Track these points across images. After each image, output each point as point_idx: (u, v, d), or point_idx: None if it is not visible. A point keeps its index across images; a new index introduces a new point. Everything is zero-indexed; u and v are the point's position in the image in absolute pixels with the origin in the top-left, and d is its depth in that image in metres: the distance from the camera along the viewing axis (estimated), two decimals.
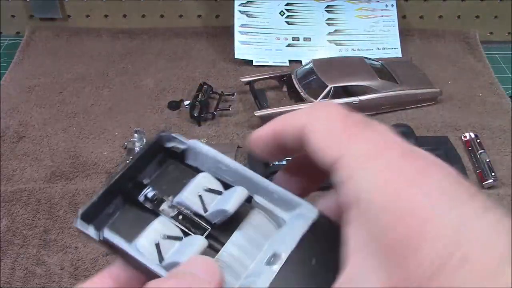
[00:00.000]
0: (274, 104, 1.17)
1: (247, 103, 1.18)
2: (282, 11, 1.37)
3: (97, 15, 1.44)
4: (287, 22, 1.36)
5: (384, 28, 1.37)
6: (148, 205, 0.40)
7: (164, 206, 0.40)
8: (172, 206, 0.40)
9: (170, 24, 1.45)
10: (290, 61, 1.32)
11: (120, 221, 0.41)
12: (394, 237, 0.25)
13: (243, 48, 1.32)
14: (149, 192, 0.40)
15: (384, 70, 1.18)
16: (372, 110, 1.13)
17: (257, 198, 0.40)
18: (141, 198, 0.40)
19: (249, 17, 1.35)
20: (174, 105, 1.16)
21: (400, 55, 1.34)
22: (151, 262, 0.37)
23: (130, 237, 0.39)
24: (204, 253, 0.38)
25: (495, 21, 1.45)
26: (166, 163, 0.43)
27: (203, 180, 0.40)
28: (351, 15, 1.38)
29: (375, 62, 1.20)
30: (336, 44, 1.35)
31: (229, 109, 1.14)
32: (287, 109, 1.09)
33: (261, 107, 1.13)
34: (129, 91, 1.21)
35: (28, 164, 1.00)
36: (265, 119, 1.09)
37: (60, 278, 0.80)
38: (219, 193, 0.40)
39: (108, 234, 0.38)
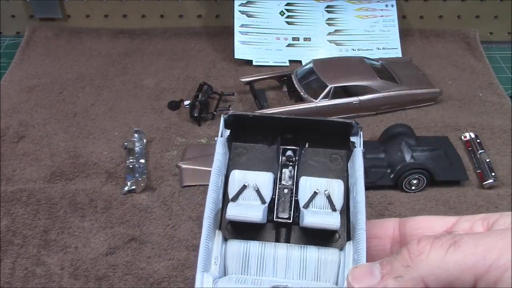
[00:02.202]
0: (274, 104, 1.17)
1: (247, 103, 1.18)
2: (282, 11, 1.37)
3: (97, 15, 1.44)
4: (287, 22, 1.36)
5: (384, 28, 1.37)
6: (281, 158, 0.41)
7: (287, 171, 0.41)
8: (291, 177, 0.41)
9: (170, 24, 1.45)
10: (290, 61, 1.32)
11: (255, 150, 0.42)
12: None
13: (243, 48, 1.32)
14: (290, 150, 0.41)
15: (384, 70, 1.18)
16: (372, 110, 1.13)
17: (349, 245, 0.38)
18: (282, 148, 0.42)
19: (249, 17, 1.35)
20: (174, 105, 1.16)
21: (400, 55, 1.34)
22: (214, 190, 0.37)
23: (247, 165, 0.41)
24: (266, 234, 0.39)
25: (495, 21, 1.45)
26: (337, 150, 0.43)
27: (334, 186, 0.40)
28: (351, 15, 1.38)
29: (375, 62, 1.20)
30: (336, 44, 1.35)
31: (229, 109, 1.14)
32: (287, 109, 1.09)
33: (261, 107, 1.13)
34: (129, 91, 1.21)
35: (28, 164, 1.00)
36: None
37: (60, 278, 0.80)
38: (333, 208, 0.39)
39: (220, 142, 0.39)
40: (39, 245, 0.85)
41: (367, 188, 1.01)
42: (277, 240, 0.39)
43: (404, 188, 0.95)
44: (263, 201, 0.39)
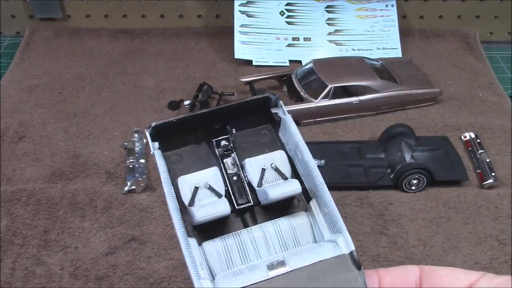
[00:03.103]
0: None
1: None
2: (282, 11, 1.37)
3: (97, 15, 1.44)
4: (287, 22, 1.36)
5: (384, 28, 1.37)
6: (217, 150, 0.41)
7: (228, 160, 0.41)
8: (234, 164, 0.41)
9: (170, 24, 1.45)
10: (290, 61, 1.32)
11: (189, 152, 0.42)
12: None
13: (243, 48, 1.32)
14: (224, 140, 0.41)
15: (384, 70, 1.18)
16: (372, 110, 1.13)
17: (313, 203, 0.40)
18: (215, 141, 0.42)
19: (249, 17, 1.35)
20: (174, 105, 1.16)
21: (400, 55, 1.34)
22: (170, 197, 0.37)
23: (187, 169, 0.40)
24: (232, 223, 0.40)
25: (495, 21, 1.45)
26: (263, 125, 0.44)
27: (277, 157, 0.41)
28: (351, 15, 1.38)
29: (375, 62, 1.20)
30: (336, 44, 1.35)
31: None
32: (287, 109, 1.09)
33: None
34: (129, 91, 1.21)
35: (28, 164, 1.00)
36: None
37: (60, 278, 0.80)
38: (283, 177, 0.41)
39: (157, 154, 0.39)
40: (39, 245, 0.85)
41: (367, 188, 1.00)
42: (246, 225, 0.40)
43: (404, 188, 0.95)
44: (219, 195, 0.40)
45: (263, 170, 0.40)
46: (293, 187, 0.39)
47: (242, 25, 1.34)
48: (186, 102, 1.16)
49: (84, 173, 0.99)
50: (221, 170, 0.41)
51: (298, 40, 1.35)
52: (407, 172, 0.93)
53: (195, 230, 0.38)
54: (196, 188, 0.39)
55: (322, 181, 0.38)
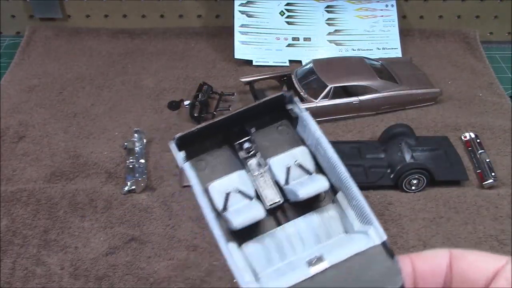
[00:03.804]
0: None
1: (247, 103, 1.18)
2: (282, 11, 1.37)
3: (97, 15, 1.44)
4: (287, 22, 1.36)
5: (384, 28, 1.37)
6: (240, 154, 0.42)
7: (252, 161, 0.41)
8: (259, 165, 0.41)
9: (170, 24, 1.45)
10: (290, 61, 1.32)
11: (212, 157, 0.42)
12: None
13: (243, 48, 1.32)
14: (246, 143, 0.41)
15: (384, 70, 1.18)
16: (372, 110, 1.13)
17: (340, 195, 0.41)
18: (236, 145, 0.42)
19: (249, 17, 1.35)
20: (174, 105, 1.16)
21: (400, 55, 1.34)
22: (206, 207, 0.38)
23: (213, 175, 0.41)
24: (266, 222, 0.40)
25: (495, 21, 1.45)
26: (280, 122, 0.44)
27: (300, 153, 0.42)
28: (351, 15, 1.38)
29: (375, 62, 1.20)
30: (336, 44, 1.35)
31: (229, 109, 1.14)
32: None
33: None
34: (129, 91, 1.21)
35: (28, 164, 1.00)
36: None
37: (60, 278, 0.80)
38: (308, 172, 0.41)
39: (187, 167, 0.39)
40: (39, 245, 0.85)
41: (367, 188, 1.00)
42: (278, 223, 0.41)
43: (404, 188, 0.95)
44: (250, 197, 0.40)
45: (288, 168, 0.41)
46: (321, 185, 0.39)
47: (242, 25, 1.34)
48: (186, 102, 1.16)
49: (84, 173, 0.99)
50: (247, 173, 0.41)
51: (298, 40, 1.35)
52: (407, 172, 0.93)
53: (231, 233, 0.39)
54: (228, 194, 0.40)
55: (348, 175, 0.39)
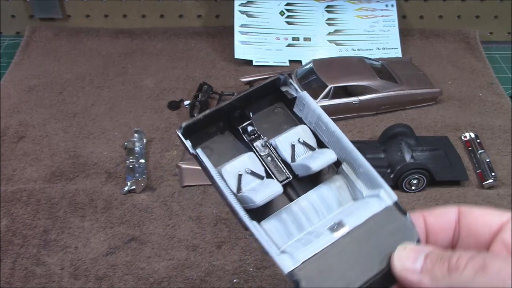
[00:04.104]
0: None
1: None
2: (282, 11, 1.37)
3: (97, 15, 1.44)
4: (287, 22, 1.36)
5: (384, 28, 1.37)
6: (245, 137, 0.44)
7: (258, 143, 0.44)
8: (265, 146, 0.44)
9: (170, 24, 1.45)
10: (290, 61, 1.32)
11: (216, 143, 0.44)
12: None
13: (243, 48, 1.32)
14: (249, 126, 0.44)
15: (384, 70, 1.18)
16: (372, 110, 1.13)
17: (344, 166, 0.43)
18: (239, 129, 0.44)
19: (249, 17, 1.35)
20: (174, 105, 1.16)
21: (400, 55, 1.34)
22: (227, 189, 0.40)
23: (221, 159, 0.43)
24: (278, 199, 0.42)
25: (495, 21, 1.45)
26: (275, 104, 0.46)
27: (301, 131, 0.44)
28: (351, 15, 1.38)
29: (375, 62, 1.20)
30: (336, 44, 1.35)
31: None
32: None
33: None
34: (129, 91, 1.21)
35: (28, 164, 1.00)
36: None
37: (60, 278, 0.80)
38: (312, 148, 0.44)
39: (200, 152, 0.41)
40: (39, 245, 0.85)
41: None
42: (290, 198, 0.43)
43: (404, 188, 0.95)
44: (261, 177, 0.42)
45: (293, 146, 0.43)
46: (330, 157, 0.42)
47: (242, 25, 1.34)
48: (186, 102, 1.16)
49: (84, 173, 0.99)
50: (255, 153, 0.43)
51: (298, 40, 1.35)
52: (407, 172, 0.93)
53: (247, 213, 0.41)
54: (240, 175, 0.41)
55: (353, 146, 0.42)
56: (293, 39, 1.35)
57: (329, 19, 1.37)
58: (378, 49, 1.35)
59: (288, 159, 0.43)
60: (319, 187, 0.43)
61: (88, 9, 1.43)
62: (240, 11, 1.35)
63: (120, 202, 0.93)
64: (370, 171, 0.41)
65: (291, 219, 0.41)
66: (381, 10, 1.38)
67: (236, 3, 1.35)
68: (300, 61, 1.31)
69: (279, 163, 0.43)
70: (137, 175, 0.96)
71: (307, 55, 1.31)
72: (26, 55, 1.33)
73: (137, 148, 1.02)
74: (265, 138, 0.44)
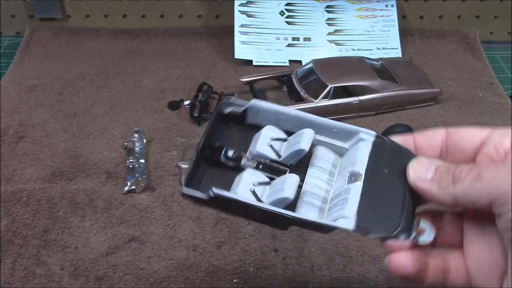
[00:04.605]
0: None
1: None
2: (282, 11, 1.37)
3: (97, 15, 1.44)
4: (287, 22, 1.36)
5: (384, 28, 1.37)
6: (230, 163, 0.46)
7: (244, 161, 0.46)
8: (251, 159, 0.46)
9: (170, 24, 1.45)
10: (290, 61, 1.32)
11: (209, 182, 0.46)
12: None
13: (243, 48, 1.32)
14: (229, 151, 0.46)
15: (384, 70, 1.18)
16: (372, 110, 1.13)
17: (318, 137, 0.47)
18: (222, 159, 0.46)
19: (249, 17, 1.35)
20: (174, 105, 1.16)
21: (400, 55, 1.34)
22: (261, 204, 0.42)
23: (227, 186, 0.45)
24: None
25: (495, 21, 1.45)
26: (228, 125, 0.49)
27: (268, 131, 0.47)
28: (351, 15, 1.38)
29: (375, 62, 1.20)
30: (336, 44, 1.35)
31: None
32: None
33: None
34: (129, 91, 1.22)
35: (28, 164, 1.01)
36: None
37: (60, 278, 0.80)
38: (284, 140, 0.47)
39: (218, 191, 0.42)
40: (39, 245, 0.85)
41: None
42: (299, 186, 0.45)
43: None
44: (269, 183, 0.45)
45: (271, 145, 0.46)
46: (309, 134, 0.46)
47: (242, 25, 1.34)
48: (186, 102, 1.16)
49: (84, 173, 0.99)
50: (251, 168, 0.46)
51: (298, 40, 1.35)
52: None
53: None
54: (253, 191, 0.44)
55: (317, 116, 0.47)
56: (293, 39, 1.35)
57: (329, 19, 1.37)
58: (378, 49, 1.35)
59: (275, 157, 0.46)
60: (311, 164, 0.46)
61: (88, 9, 1.43)
62: (240, 11, 1.35)
63: (120, 202, 0.93)
64: (343, 126, 0.47)
65: (313, 198, 0.44)
66: (381, 10, 1.38)
67: (236, 3, 1.35)
68: (300, 61, 1.31)
69: (273, 164, 0.46)
70: (137, 175, 0.96)
71: (307, 55, 1.31)
72: (26, 55, 1.33)
73: (137, 148, 1.02)
74: (247, 153, 0.46)
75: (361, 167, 0.44)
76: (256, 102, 0.48)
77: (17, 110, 1.15)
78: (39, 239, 0.86)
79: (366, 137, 0.47)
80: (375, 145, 0.46)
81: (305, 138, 0.45)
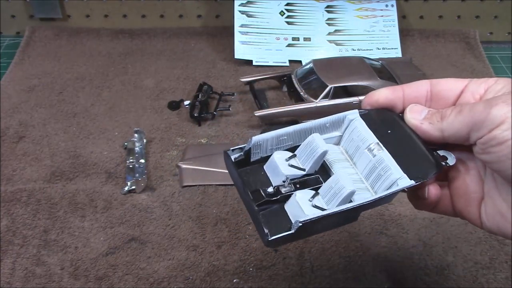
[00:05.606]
0: (274, 104, 1.17)
1: (247, 103, 1.18)
2: (282, 11, 1.37)
3: (97, 15, 1.44)
4: (287, 22, 1.36)
5: (384, 28, 1.37)
6: (274, 198, 0.49)
7: (283, 189, 0.49)
8: (288, 185, 0.49)
9: (170, 24, 1.45)
10: (290, 61, 1.32)
11: (268, 222, 0.47)
12: None
13: (243, 48, 1.32)
14: (268, 189, 0.49)
15: (384, 70, 1.18)
16: None
17: (313, 135, 0.51)
18: (265, 199, 0.48)
19: (249, 17, 1.35)
20: (174, 105, 1.16)
21: (400, 55, 1.34)
22: (342, 206, 0.45)
23: (289, 221, 0.47)
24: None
25: (495, 21, 1.45)
26: (238, 172, 0.51)
27: (278, 155, 0.51)
28: (351, 15, 1.38)
29: (375, 62, 1.20)
30: (336, 44, 1.35)
31: (229, 109, 1.14)
32: (287, 109, 1.09)
33: (261, 107, 1.13)
34: (129, 91, 1.22)
35: (28, 164, 1.00)
36: (265, 119, 1.09)
37: (60, 278, 0.80)
38: (294, 155, 0.51)
39: (304, 218, 0.44)
40: (39, 245, 0.85)
41: None
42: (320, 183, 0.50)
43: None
44: (317, 194, 0.49)
45: (292, 165, 0.50)
46: (316, 137, 0.51)
47: (242, 25, 1.34)
48: (186, 102, 1.16)
49: (84, 173, 0.99)
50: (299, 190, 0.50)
51: (298, 40, 1.35)
52: None
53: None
54: (316, 206, 0.47)
55: (308, 122, 0.52)
56: (293, 39, 1.35)
57: (329, 19, 1.37)
58: (378, 49, 1.35)
59: (302, 172, 0.50)
60: (328, 162, 0.51)
61: (88, 9, 1.43)
62: (240, 11, 1.35)
63: (120, 202, 0.93)
64: (332, 118, 0.53)
65: (357, 183, 0.48)
66: (381, 10, 1.39)
67: (236, 3, 1.35)
68: (300, 61, 1.31)
69: (305, 179, 0.50)
70: (137, 175, 0.96)
71: (307, 55, 1.31)
72: (26, 55, 1.33)
73: (137, 148, 1.02)
74: (281, 182, 0.49)
75: (373, 138, 0.51)
76: (257, 138, 0.50)
77: (17, 110, 1.15)
78: (39, 239, 0.86)
79: (354, 116, 0.54)
80: (364, 118, 0.53)
81: (317, 142, 0.49)
